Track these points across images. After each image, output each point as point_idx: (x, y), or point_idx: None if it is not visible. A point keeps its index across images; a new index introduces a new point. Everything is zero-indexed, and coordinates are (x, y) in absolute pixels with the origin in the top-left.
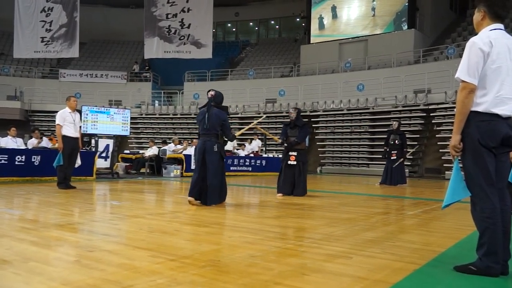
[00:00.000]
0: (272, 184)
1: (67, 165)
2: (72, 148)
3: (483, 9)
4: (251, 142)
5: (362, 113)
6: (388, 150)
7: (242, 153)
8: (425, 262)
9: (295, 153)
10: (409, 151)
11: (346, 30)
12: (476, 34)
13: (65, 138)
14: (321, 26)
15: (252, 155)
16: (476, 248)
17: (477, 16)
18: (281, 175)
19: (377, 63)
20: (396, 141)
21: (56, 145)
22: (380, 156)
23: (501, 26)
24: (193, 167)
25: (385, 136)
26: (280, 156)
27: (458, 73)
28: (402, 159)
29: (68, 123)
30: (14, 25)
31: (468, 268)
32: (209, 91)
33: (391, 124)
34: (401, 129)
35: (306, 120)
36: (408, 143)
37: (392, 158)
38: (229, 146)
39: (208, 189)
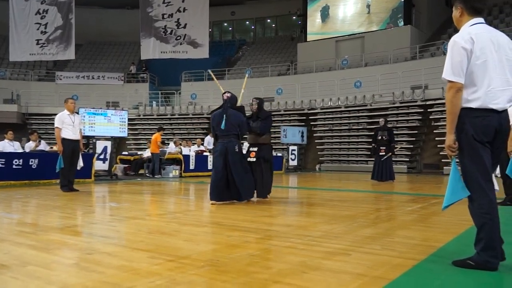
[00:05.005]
0: (273, 183)
1: (69, 168)
2: (72, 150)
3: (460, 5)
4: None
5: (359, 110)
6: (376, 146)
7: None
8: (424, 258)
9: (255, 149)
10: (397, 147)
11: (342, 27)
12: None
13: (64, 140)
14: (324, 19)
15: None
16: (474, 242)
17: (455, 13)
18: None
19: (373, 60)
20: (384, 137)
21: (55, 147)
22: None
23: (481, 19)
24: (209, 167)
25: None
26: (280, 155)
27: (444, 73)
28: (390, 154)
29: (67, 125)
30: (9, 28)
31: (466, 262)
32: (224, 93)
33: (379, 121)
34: (388, 125)
35: (304, 118)
36: (405, 139)
37: (380, 153)
38: None
39: (239, 189)
